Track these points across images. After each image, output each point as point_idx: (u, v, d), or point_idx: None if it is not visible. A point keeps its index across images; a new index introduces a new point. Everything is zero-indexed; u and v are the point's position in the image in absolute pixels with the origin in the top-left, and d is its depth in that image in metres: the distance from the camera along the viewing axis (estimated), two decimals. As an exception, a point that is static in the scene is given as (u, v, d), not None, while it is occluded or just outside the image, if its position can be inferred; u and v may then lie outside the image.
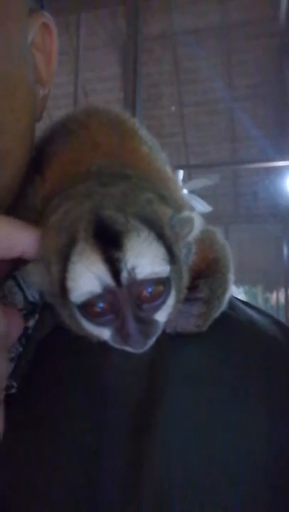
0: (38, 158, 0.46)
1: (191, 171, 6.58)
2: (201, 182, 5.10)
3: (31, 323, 0.44)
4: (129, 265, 0.32)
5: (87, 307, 0.34)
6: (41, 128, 0.51)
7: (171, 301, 0.36)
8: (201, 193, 5.15)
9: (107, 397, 0.40)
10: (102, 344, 0.36)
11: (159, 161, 0.47)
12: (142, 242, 0.33)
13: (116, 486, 0.36)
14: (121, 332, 0.34)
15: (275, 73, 5.91)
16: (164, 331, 0.41)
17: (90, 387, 0.41)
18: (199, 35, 5.65)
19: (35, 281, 0.36)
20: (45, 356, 0.43)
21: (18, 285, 0.44)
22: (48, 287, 0.35)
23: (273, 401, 0.40)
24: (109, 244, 0.32)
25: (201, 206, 4.71)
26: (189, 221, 0.36)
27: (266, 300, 9.15)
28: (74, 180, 0.38)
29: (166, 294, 0.35)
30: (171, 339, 0.42)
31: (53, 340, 0.43)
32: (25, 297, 0.44)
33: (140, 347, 0.35)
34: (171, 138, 6.64)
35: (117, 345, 0.36)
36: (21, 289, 0.44)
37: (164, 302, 0.35)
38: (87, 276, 0.33)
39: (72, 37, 5.08)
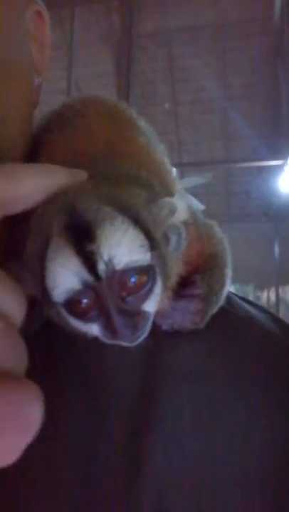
0: (34, 148, 0.45)
1: (184, 169, 6.58)
2: (193, 180, 5.10)
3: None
4: (105, 256, 0.31)
5: (71, 305, 0.32)
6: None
7: (158, 289, 0.34)
8: (194, 192, 5.16)
9: (104, 396, 0.39)
10: (96, 341, 0.35)
11: (157, 152, 0.46)
12: (117, 230, 0.31)
13: (115, 486, 0.35)
14: (107, 327, 0.33)
15: (269, 73, 5.93)
16: (160, 328, 0.41)
17: (86, 386, 0.39)
18: (194, 33, 5.64)
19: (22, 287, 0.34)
20: (36, 353, 0.42)
21: None
22: (33, 290, 0.33)
23: (273, 398, 0.40)
24: (82, 236, 0.31)
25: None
26: (167, 204, 0.34)
27: (257, 298, 9.21)
28: None
29: (151, 282, 0.33)
30: (168, 336, 0.41)
31: (44, 336, 0.42)
32: None
33: (131, 340, 0.33)
34: (164, 136, 6.60)
35: (108, 341, 0.34)
36: None
37: (150, 291, 0.34)
38: (64, 274, 0.31)
39: (66, 32, 5.05)
